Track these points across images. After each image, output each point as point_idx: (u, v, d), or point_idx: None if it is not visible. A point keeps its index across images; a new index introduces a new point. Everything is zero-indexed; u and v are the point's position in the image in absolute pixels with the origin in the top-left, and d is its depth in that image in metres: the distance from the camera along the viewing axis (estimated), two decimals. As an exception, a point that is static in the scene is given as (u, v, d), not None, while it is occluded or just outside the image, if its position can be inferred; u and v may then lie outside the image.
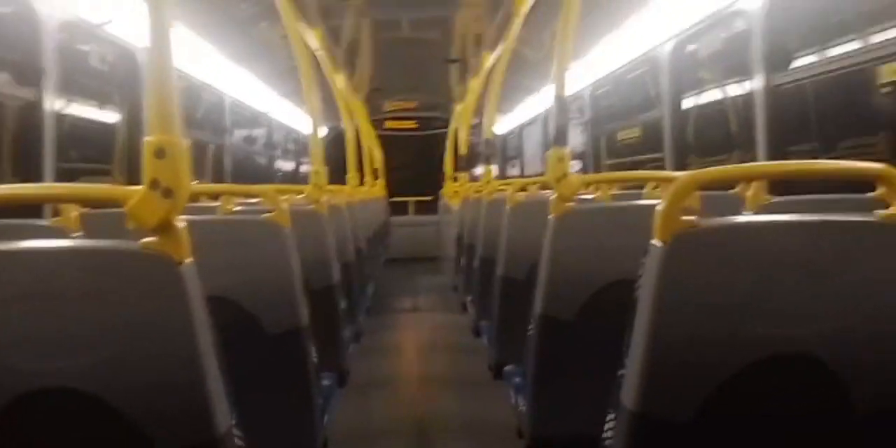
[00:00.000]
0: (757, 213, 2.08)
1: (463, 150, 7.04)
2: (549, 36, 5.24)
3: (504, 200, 2.94)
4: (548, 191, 3.53)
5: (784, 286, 1.22)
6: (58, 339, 1.07)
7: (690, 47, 4.09)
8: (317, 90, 3.12)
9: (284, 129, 8.59)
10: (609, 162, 6.15)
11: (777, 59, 3.02)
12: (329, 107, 6.15)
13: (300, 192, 3.10)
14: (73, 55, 3.49)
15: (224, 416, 1.13)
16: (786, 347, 1.23)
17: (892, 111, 2.74)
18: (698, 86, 4.20)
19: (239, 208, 2.85)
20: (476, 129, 9.47)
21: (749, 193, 2.17)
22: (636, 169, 5.34)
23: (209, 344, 1.12)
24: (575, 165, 5.74)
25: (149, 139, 1.06)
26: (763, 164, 2.06)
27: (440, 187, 9.12)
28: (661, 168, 4.23)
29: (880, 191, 1.27)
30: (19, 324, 1.07)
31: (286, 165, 9.14)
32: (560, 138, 2.09)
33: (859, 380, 1.24)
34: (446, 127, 9.44)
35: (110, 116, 4.07)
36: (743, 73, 3.41)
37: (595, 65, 5.47)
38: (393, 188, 10.23)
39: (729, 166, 1.62)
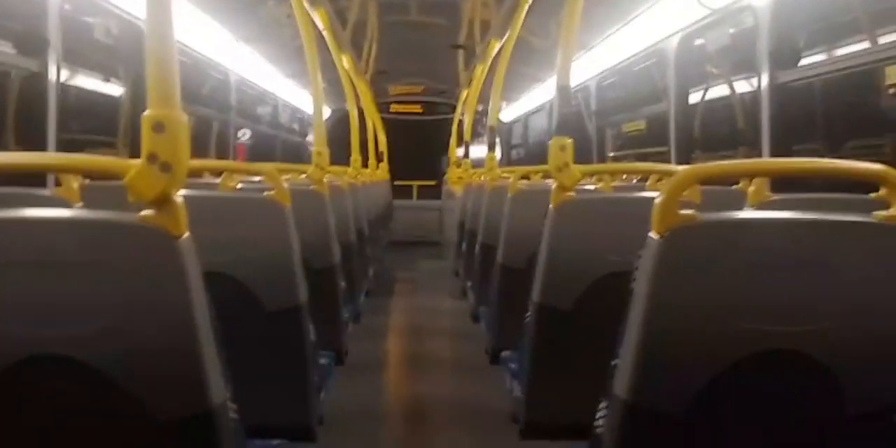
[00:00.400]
0: (758, 209, 2.09)
1: (467, 136, 7.02)
2: (556, 25, 5.21)
3: (506, 188, 2.95)
4: (551, 180, 3.53)
5: (779, 283, 1.23)
6: (54, 308, 1.08)
7: (697, 42, 4.08)
8: (320, 70, 3.11)
9: (290, 109, 8.57)
10: (613, 154, 6.15)
11: (783, 57, 3.01)
12: (334, 89, 6.13)
13: (302, 172, 3.10)
14: (78, 27, 3.48)
15: (219, 388, 1.15)
16: (779, 343, 1.24)
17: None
18: (704, 80, 4.19)
19: (241, 186, 2.86)
20: (481, 115, 9.46)
21: (752, 189, 2.17)
22: (641, 161, 5.34)
23: (206, 317, 1.13)
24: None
25: (147, 113, 1.06)
26: (763, 161, 2.06)
27: (444, 172, 9.10)
28: (666, 162, 4.23)
29: (882, 192, 1.28)
30: (17, 291, 1.08)
31: (290, 145, 9.13)
32: (562, 127, 2.08)
33: (851, 377, 1.25)
34: (452, 112, 9.41)
35: (114, 89, 4.06)
36: (749, 69, 3.40)
37: (601, 56, 5.45)
38: (397, 172, 10.23)
39: (729, 162, 1.63)
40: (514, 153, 11.00)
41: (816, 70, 2.90)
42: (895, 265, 1.23)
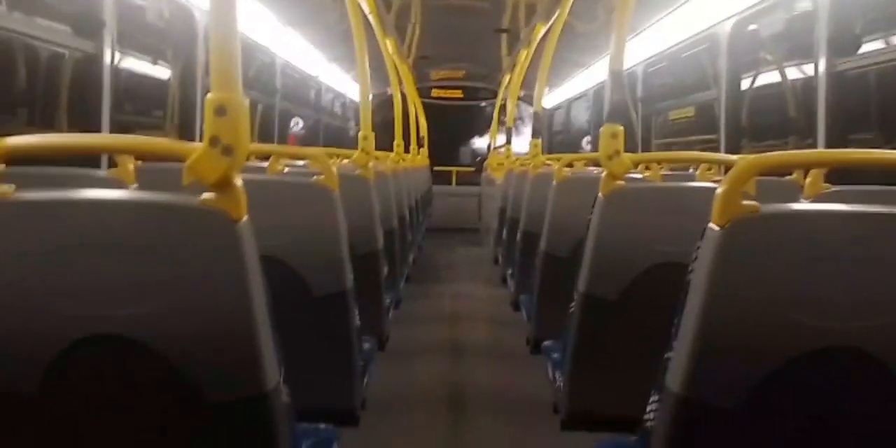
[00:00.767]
0: (815, 201, 2.04)
1: (510, 122, 6.97)
2: (603, 9, 5.13)
3: (550, 175, 2.92)
4: (595, 168, 3.49)
5: (839, 277, 1.20)
6: (113, 288, 1.10)
7: (751, 27, 3.97)
8: (367, 55, 3.11)
9: (332, 93, 8.60)
10: (659, 142, 6.06)
11: (842, 44, 2.91)
12: (376, 74, 6.12)
13: (348, 157, 3.11)
14: (132, 9, 3.52)
15: (273, 371, 1.16)
16: (839, 341, 1.21)
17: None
18: (757, 67, 4.09)
19: (287, 170, 2.88)
20: (522, 101, 9.37)
21: (808, 181, 2.12)
22: (687, 149, 5.25)
23: (262, 301, 1.14)
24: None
25: (210, 97, 1.07)
26: (825, 152, 2.00)
27: (484, 158, 9.05)
28: (714, 150, 4.14)
29: None
30: (76, 271, 1.10)
31: (332, 129, 9.17)
32: (615, 114, 2.05)
33: None
34: (492, 98, 9.35)
35: (164, 72, 4.11)
36: (805, 56, 3.30)
37: (650, 41, 5.34)
38: (437, 157, 10.22)
39: (790, 152, 1.59)
40: (556, 140, 10.90)
41: (877, 58, 2.80)
42: None
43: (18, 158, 1.19)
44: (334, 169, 2.04)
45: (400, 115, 5.43)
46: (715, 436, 1.27)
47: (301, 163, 3.19)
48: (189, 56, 3.91)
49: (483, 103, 11.09)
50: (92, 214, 1.12)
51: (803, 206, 1.25)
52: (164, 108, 4.13)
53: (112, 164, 2.21)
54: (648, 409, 1.37)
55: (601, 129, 2.05)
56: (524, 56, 5.76)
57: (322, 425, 1.68)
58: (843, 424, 1.26)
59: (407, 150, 6.73)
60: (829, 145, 2.94)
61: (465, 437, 2.56)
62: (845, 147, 2.90)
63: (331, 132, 8.78)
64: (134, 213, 1.12)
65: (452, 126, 11.50)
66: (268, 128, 5.96)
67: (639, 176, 3.01)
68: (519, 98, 8.25)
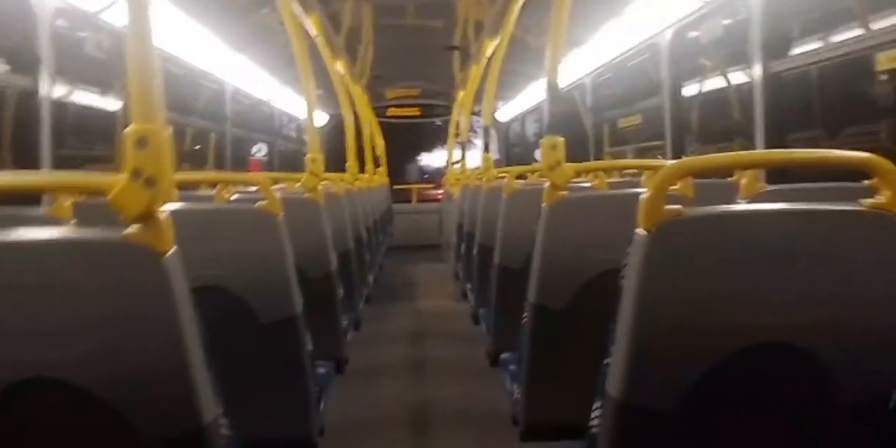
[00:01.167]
0: (751, 201, 2.08)
1: (463, 136, 7.02)
2: (551, 23, 5.20)
3: (502, 188, 2.94)
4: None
5: (769, 275, 1.23)
6: (43, 330, 1.08)
7: (690, 34, 4.07)
8: (313, 77, 3.11)
9: (286, 117, 8.58)
10: (611, 149, 6.14)
11: (775, 47, 3.00)
12: (331, 95, 6.13)
13: (298, 180, 3.10)
14: (70, 42, 3.49)
15: (210, 406, 1.14)
16: (771, 336, 1.23)
17: (892, 98, 2.72)
18: (699, 73, 4.19)
19: (236, 197, 2.86)
20: (478, 116, 9.44)
21: (743, 182, 2.16)
22: (641, 157, 5.32)
23: (194, 334, 1.12)
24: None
25: (130, 128, 1.06)
26: (750, 153, 2.05)
27: (443, 175, 9.08)
28: (664, 156, 4.22)
29: (873, 180, 1.27)
30: (5, 314, 1.07)
31: (287, 153, 9.13)
32: (554, 126, 2.08)
33: (844, 369, 1.24)
34: (449, 114, 9.41)
35: (112, 104, 4.07)
36: (743, 60, 3.39)
37: (596, 52, 5.44)
38: (396, 176, 10.21)
39: (715, 155, 1.61)
40: (513, 152, 10.99)
41: (808, 59, 2.88)
42: (883, 253, 1.23)
43: None
44: (277, 194, 2.03)
45: (353, 136, 5.43)
46: (656, 439, 1.28)
47: (254, 189, 3.17)
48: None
49: (440, 120, 11.16)
50: (15, 255, 1.10)
51: (727, 207, 1.27)
52: (113, 140, 4.08)
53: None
54: (592, 415, 1.38)
55: (542, 141, 2.08)
56: (475, 72, 5.81)
57: None
58: (779, 420, 1.28)
59: (363, 170, 6.72)
60: (769, 146, 3.01)
61: None
62: (785, 147, 2.97)
63: (287, 156, 8.74)
64: (58, 252, 1.10)
65: (411, 144, 11.54)
66: (221, 155, 5.92)
67: (587, 184, 3.05)
68: (473, 113, 8.31)
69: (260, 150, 7.57)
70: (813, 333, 1.23)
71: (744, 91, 3.62)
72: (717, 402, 1.25)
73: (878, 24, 2.55)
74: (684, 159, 1.36)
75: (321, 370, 2.41)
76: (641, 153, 5.40)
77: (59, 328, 1.07)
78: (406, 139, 11.28)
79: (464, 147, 6.95)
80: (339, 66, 5.28)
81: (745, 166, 1.95)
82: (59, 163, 3.00)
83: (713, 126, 4.27)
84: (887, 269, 1.23)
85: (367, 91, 8.17)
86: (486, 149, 4.36)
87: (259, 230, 1.99)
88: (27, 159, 2.88)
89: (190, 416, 1.11)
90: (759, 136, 3.01)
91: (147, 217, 1.07)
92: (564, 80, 6.46)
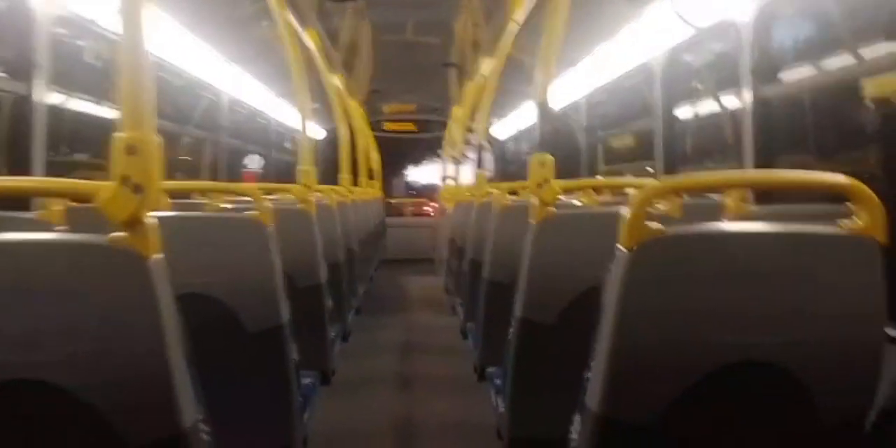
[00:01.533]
0: (735, 221, 2.10)
1: (457, 152, 7.06)
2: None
3: (493, 204, 2.96)
4: None
5: (748, 295, 1.24)
6: (28, 332, 1.09)
7: (683, 58, 4.12)
8: (308, 90, 3.14)
9: (283, 128, 8.61)
10: (607, 168, 6.19)
11: (765, 72, 3.05)
12: (328, 109, 6.16)
13: (290, 191, 3.12)
14: (68, 50, 3.51)
15: (190, 410, 1.15)
16: (749, 355, 1.25)
17: (877, 124, 2.76)
18: (691, 96, 4.23)
19: (228, 206, 2.88)
20: (474, 133, 9.48)
21: (729, 202, 2.19)
22: (637, 176, 5.36)
23: (176, 339, 1.13)
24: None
25: (119, 135, 1.08)
26: (732, 173, 2.08)
27: (437, 190, 9.11)
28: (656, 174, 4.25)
29: (852, 204, 1.29)
30: None
31: (283, 165, 9.15)
32: (543, 144, 2.11)
33: (821, 387, 1.26)
34: (444, 130, 9.46)
35: (107, 112, 4.09)
36: (733, 84, 3.43)
37: (592, 74, 5.50)
38: (391, 189, 10.21)
39: (697, 175, 1.64)
40: (508, 170, 11.04)
41: (797, 84, 2.93)
42: (860, 275, 1.25)
43: None
44: (268, 204, 2.05)
45: (347, 149, 5.45)
46: None
47: (247, 199, 3.18)
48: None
49: (436, 135, 11.21)
50: (2, 258, 1.11)
51: (709, 226, 1.30)
52: (107, 148, 4.08)
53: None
54: (572, 428, 1.39)
55: (531, 158, 2.10)
56: (470, 89, 5.86)
57: None
58: (756, 437, 1.29)
59: (356, 183, 6.74)
60: (757, 167, 3.04)
61: None
62: (773, 169, 3.00)
63: (282, 168, 8.76)
64: (45, 255, 1.12)
65: (406, 158, 11.59)
66: (217, 165, 5.93)
67: (578, 203, 3.08)
68: (469, 130, 8.36)
69: (253, 162, 7.54)
70: (791, 353, 1.25)
71: (734, 114, 3.67)
72: (695, 417, 1.27)
73: (863, 52, 2.60)
74: (665, 180, 1.38)
75: (306, 380, 2.41)
76: (634, 173, 5.44)
77: (43, 330, 1.08)
78: (401, 153, 11.33)
79: (458, 163, 6.99)
80: (336, 81, 5.31)
81: (727, 186, 1.98)
82: (53, 169, 3.01)
83: (703, 148, 4.32)
84: (864, 290, 1.25)
85: (363, 105, 8.21)
86: (480, 165, 4.39)
87: (248, 240, 2.01)
88: (17, 165, 2.89)
89: (170, 420, 1.11)
90: (748, 158, 3.05)
91: (134, 223, 1.08)
92: (560, 99, 6.53)
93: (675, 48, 4.01)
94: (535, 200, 2.09)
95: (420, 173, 11.99)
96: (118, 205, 1.07)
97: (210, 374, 1.36)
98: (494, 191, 3.25)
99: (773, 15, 3.03)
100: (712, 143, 4.12)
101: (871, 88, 2.49)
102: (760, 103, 3.06)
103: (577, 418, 1.37)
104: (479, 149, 4.56)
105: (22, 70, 2.77)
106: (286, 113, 8.09)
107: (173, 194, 2.79)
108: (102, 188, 1.08)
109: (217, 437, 1.32)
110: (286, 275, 2.19)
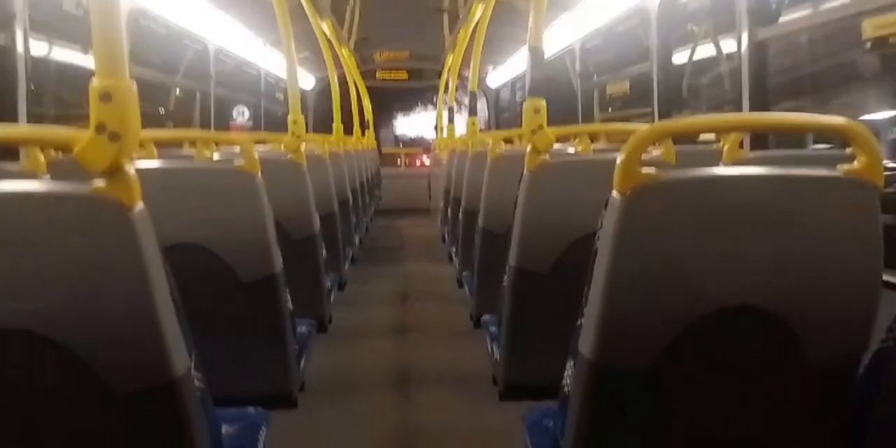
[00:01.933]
0: (732, 167, 2.08)
1: (451, 101, 6.97)
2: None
3: (488, 153, 2.93)
4: None
5: (742, 239, 1.23)
6: (11, 281, 1.08)
7: (678, 0, 4.03)
8: (303, 37, 3.07)
9: (273, 78, 8.47)
10: (603, 115, 6.12)
11: (762, 14, 2.98)
12: (319, 57, 6.04)
13: (281, 141, 3.08)
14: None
15: (181, 359, 1.15)
16: (742, 300, 1.25)
17: (876, 66, 2.72)
18: (687, 40, 4.15)
19: (218, 157, 2.84)
20: (467, 80, 9.36)
21: (726, 147, 2.17)
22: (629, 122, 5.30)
23: (164, 288, 1.13)
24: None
25: (95, 83, 1.05)
26: (727, 116, 2.04)
27: (432, 139, 9.05)
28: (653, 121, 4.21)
29: (851, 146, 1.27)
30: None
31: (276, 115, 9.04)
32: (535, 89, 2.07)
33: (815, 332, 1.26)
34: (439, 78, 9.33)
35: (90, 62, 4.00)
36: (731, 27, 3.36)
37: (586, 18, 5.38)
38: (385, 139, 10.14)
39: (691, 118, 1.61)
40: (503, 118, 10.94)
41: (794, 26, 2.87)
42: (856, 218, 1.24)
43: None
44: (255, 154, 2.02)
45: (338, 98, 5.37)
46: (626, 399, 1.30)
47: (237, 149, 3.15)
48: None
49: (429, 84, 11.05)
50: None
51: (703, 171, 1.28)
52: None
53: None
54: (565, 374, 1.40)
55: (524, 105, 2.06)
56: (463, 35, 5.75)
57: (251, 408, 1.68)
58: (748, 382, 1.30)
59: (349, 133, 6.67)
60: (753, 111, 3.00)
61: (403, 412, 2.59)
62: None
63: (274, 118, 8.66)
64: (24, 205, 1.10)
65: (400, 108, 11.45)
66: (206, 115, 5.85)
67: (572, 150, 3.05)
68: (464, 77, 8.25)
69: (242, 114, 7.41)
70: (783, 297, 1.25)
71: (732, 58, 3.60)
72: (688, 364, 1.27)
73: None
74: (659, 123, 1.36)
75: (302, 328, 2.43)
76: (630, 120, 5.38)
77: (27, 280, 1.07)
78: (395, 102, 11.20)
79: (452, 111, 6.91)
80: (325, 27, 5.20)
81: (722, 129, 1.95)
82: (35, 121, 2.96)
83: (701, 93, 4.26)
84: (860, 234, 1.24)
85: (354, 53, 8.06)
86: (472, 113, 4.33)
87: (237, 190, 1.99)
88: (4, 118, 2.84)
89: (160, 370, 1.12)
90: (745, 103, 3.01)
91: (113, 171, 1.06)
92: (554, 45, 6.40)
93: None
94: (529, 148, 2.07)
95: (414, 123, 11.87)
96: (95, 153, 1.05)
97: (204, 323, 1.37)
98: (488, 139, 3.22)
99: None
100: (709, 88, 4.07)
101: (871, 29, 2.44)
102: (757, 46, 3.00)
103: (569, 364, 1.38)
104: (472, 96, 4.49)
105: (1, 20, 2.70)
106: (277, 63, 7.94)
107: (162, 145, 2.76)
108: (80, 137, 1.06)
109: (213, 386, 1.33)
110: (279, 225, 2.17)
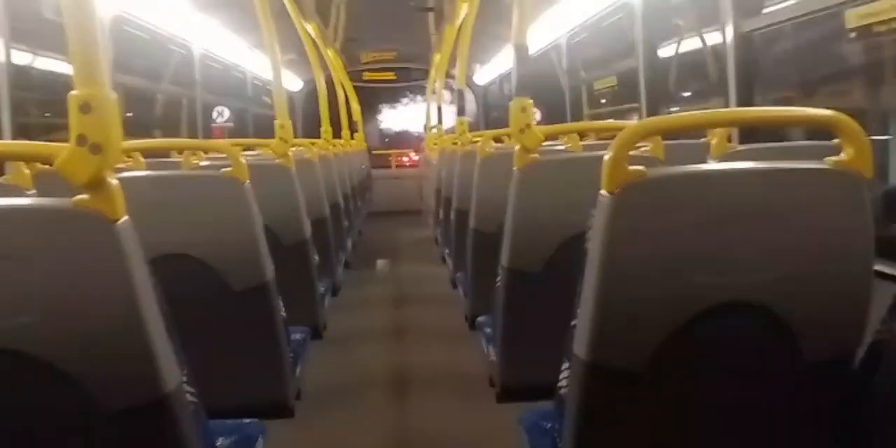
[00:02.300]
0: (721, 161, 2.08)
1: (439, 100, 6.95)
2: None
3: (477, 152, 2.92)
4: None
5: (732, 235, 1.23)
6: None
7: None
8: (289, 40, 3.05)
9: (260, 81, 8.44)
10: (591, 112, 6.11)
11: (747, 5, 2.97)
12: (305, 59, 6.02)
13: (267, 146, 3.07)
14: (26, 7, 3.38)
15: (172, 374, 1.13)
16: (735, 296, 1.24)
17: (861, 57, 2.72)
18: (673, 34, 4.15)
19: (205, 164, 2.82)
20: (454, 79, 9.34)
21: (714, 142, 2.16)
22: (617, 118, 5.30)
23: (151, 302, 1.11)
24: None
25: (73, 93, 1.03)
26: (715, 112, 2.04)
27: (422, 139, 9.03)
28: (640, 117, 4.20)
29: (838, 138, 1.26)
30: None
31: (263, 119, 9.01)
32: (522, 88, 2.05)
33: (806, 328, 1.26)
34: (426, 78, 9.31)
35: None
36: (716, 20, 3.36)
37: (571, 13, 5.37)
38: (375, 141, 10.11)
39: (679, 114, 1.60)
40: (491, 116, 10.92)
41: (779, 17, 2.86)
42: (845, 211, 1.23)
43: None
44: (243, 159, 2.00)
45: (325, 101, 5.35)
46: (623, 398, 1.29)
47: (224, 156, 3.12)
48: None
49: (417, 84, 11.03)
50: None
51: (691, 167, 1.27)
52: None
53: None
54: (561, 376, 1.39)
55: (511, 103, 2.05)
56: (449, 33, 5.73)
57: (247, 420, 1.66)
58: (743, 379, 1.30)
59: (338, 136, 6.64)
60: (741, 106, 3.00)
61: (401, 418, 2.58)
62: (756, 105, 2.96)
63: (261, 122, 8.62)
64: (7, 220, 1.08)
65: (388, 108, 11.43)
66: (193, 121, 5.82)
67: (561, 147, 3.04)
68: (451, 75, 8.23)
69: (221, 115, 7.32)
70: (776, 292, 1.25)
71: (717, 52, 3.60)
72: (684, 361, 1.27)
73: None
74: (647, 119, 1.35)
75: (297, 336, 2.42)
76: (618, 116, 5.39)
77: (12, 297, 1.05)
78: (383, 103, 11.18)
79: (440, 111, 6.89)
80: (311, 30, 5.17)
81: (710, 125, 1.95)
82: (20, 132, 2.93)
83: (688, 87, 4.26)
84: (849, 227, 1.24)
85: (341, 55, 8.03)
86: (461, 112, 4.32)
87: (225, 197, 1.97)
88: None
89: (150, 385, 1.10)
90: (732, 96, 3.00)
91: (96, 184, 1.04)
92: (540, 41, 6.39)
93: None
94: (517, 147, 2.06)
95: (403, 122, 11.85)
96: (77, 166, 1.03)
97: (196, 335, 1.35)
98: (478, 139, 3.20)
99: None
100: (696, 83, 4.06)
101: (854, 19, 2.43)
102: (743, 39, 3.00)
103: (565, 365, 1.37)
104: (460, 95, 4.48)
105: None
106: (263, 66, 7.91)
107: (147, 153, 2.74)
108: (61, 150, 1.04)
109: (207, 398, 1.32)
110: (269, 231, 2.15)
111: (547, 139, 2.28)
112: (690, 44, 4.05)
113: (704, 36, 3.80)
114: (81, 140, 1.02)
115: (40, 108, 3.90)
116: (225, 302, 1.96)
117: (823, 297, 1.26)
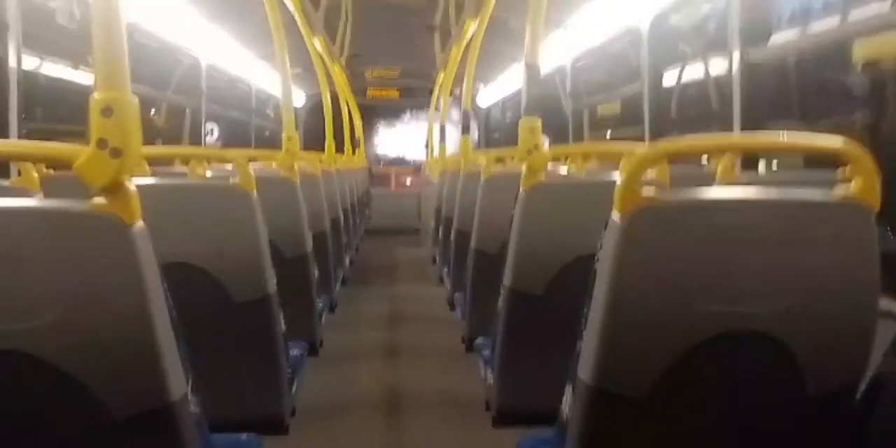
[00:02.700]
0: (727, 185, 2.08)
1: (443, 120, 6.98)
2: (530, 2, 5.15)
3: (480, 173, 2.93)
4: None
5: (741, 263, 1.23)
6: (7, 302, 1.05)
7: (670, 21, 4.06)
8: (295, 54, 3.07)
9: (265, 94, 8.47)
10: (591, 134, 6.14)
11: (753, 35, 3.00)
12: (311, 74, 6.05)
13: (274, 159, 3.07)
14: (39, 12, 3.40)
15: (178, 382, 1.13)
16: (741, 324, 1.24)
17: (866, 88, 2.74)
18: (678, 60, 4.18)
19: (211, 174, 2.82)
20: (458, 99, 9.37)
21: (720, 168, 2.17)
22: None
23: (162, 308, 1.10)
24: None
25: (95, 97, 1.03)
26: (725, 137, 2.05)
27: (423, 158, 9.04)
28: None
29: (846, 167, 1.27)
30: None
31: (265, 131, 9.03)
32: (531, 108, 2.06)
33: (811, 359, 1.25)
34: (430, 96, 9.34)
35: (85, 77, 3.98)
36: (722, 48, 3.39)
37: (578, 37, 5.41)
38: (375, 158, 10.12)
39: (691, 139, 1.61)
40: (493, 138, 10.95)
41: (786, 47, 2.89)
42: (852, 243, 1.23)
43: None
44: (251, 171, 2.00)
45: (330, 115, 5.37)
46: (627, 424, 1.29)
47: (229, 166, 3.13)
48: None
49: (420, 102, 11.08)
50: None
51: (703, 193, 1.27)
52: (86, 114, 3.97)
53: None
54: (563, 400, 1.38)
55: (520, 123, 2.06)
56: (455, 53, 5.76)
57: (244, 435, 1.64)
58: (750, 408, 1.29)
59: (341, 151, 6.65)
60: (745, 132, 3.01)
61: (395, 439, 2.56)
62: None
63: (264, 134, 8.64)
64: (22, 222, 1.08)
65: (390, 126, 11.46)
66: (196, 131, 5.83)
67: (563, 168, 3.05)
68: (455, 95, 8.27)
69: (212, 133, 7.28)
70: (782, 323, 1.24)
71: (722, 79, 3.63)
72: (688, 389, 1.26)
73: (852, 15, 2.55)
74: (660, 144, 1.35)
75: (294, 351, 2.40)
76: (621, 139, 5.40)
77: (24, 300, 1.05)
78: (385, 121, 11.21)
79: (443, 130, 6.91)
80: (318, 43, 5.20)
81: (720, 150, 1.95)
82: (28, 136, 2.93)
83: (692, 113, 4.28)
84: (856, 259, 1.24)
85: (346, 70, 8.07)
86: (465, 132, 4.33)
87: (232, 208, 1.97)
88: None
89: (157, 393, 1.09)
90: (736, 123, 3.02)
91: (114, 188, 1.04)
92: (545, 63, 6.42)
93: (663, 11, 3.94)
94: (524, 168, 2.06)
95: (404, 141, 11.86)
96: (96, 169, 1.03)
97: (197, 344, 1.34)
98: (482, 159, 3.21)
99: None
100: (701, 109, 4.09)
101: (861, 51, 2.46)
102: (748, 67, 3.02)
103: (568, 390, 1.36)
104: (465, 115, 4.50)
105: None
106: (267, 79, 7.94)
107: (152, 161, 2.74)
108: (79, 152, 1.04)
109: (205, 409, 1.31)
110: (272, 244, 2.15)
111: (551, 161, 2.29)
112: (696, 70, 4.08)
113: (710, 63, 3.83)
114: (102, 143, 1.02)
115: (46, 114, 3.90)
116: (226, 313, 1.95)
117: (828, 328, 1.26)
